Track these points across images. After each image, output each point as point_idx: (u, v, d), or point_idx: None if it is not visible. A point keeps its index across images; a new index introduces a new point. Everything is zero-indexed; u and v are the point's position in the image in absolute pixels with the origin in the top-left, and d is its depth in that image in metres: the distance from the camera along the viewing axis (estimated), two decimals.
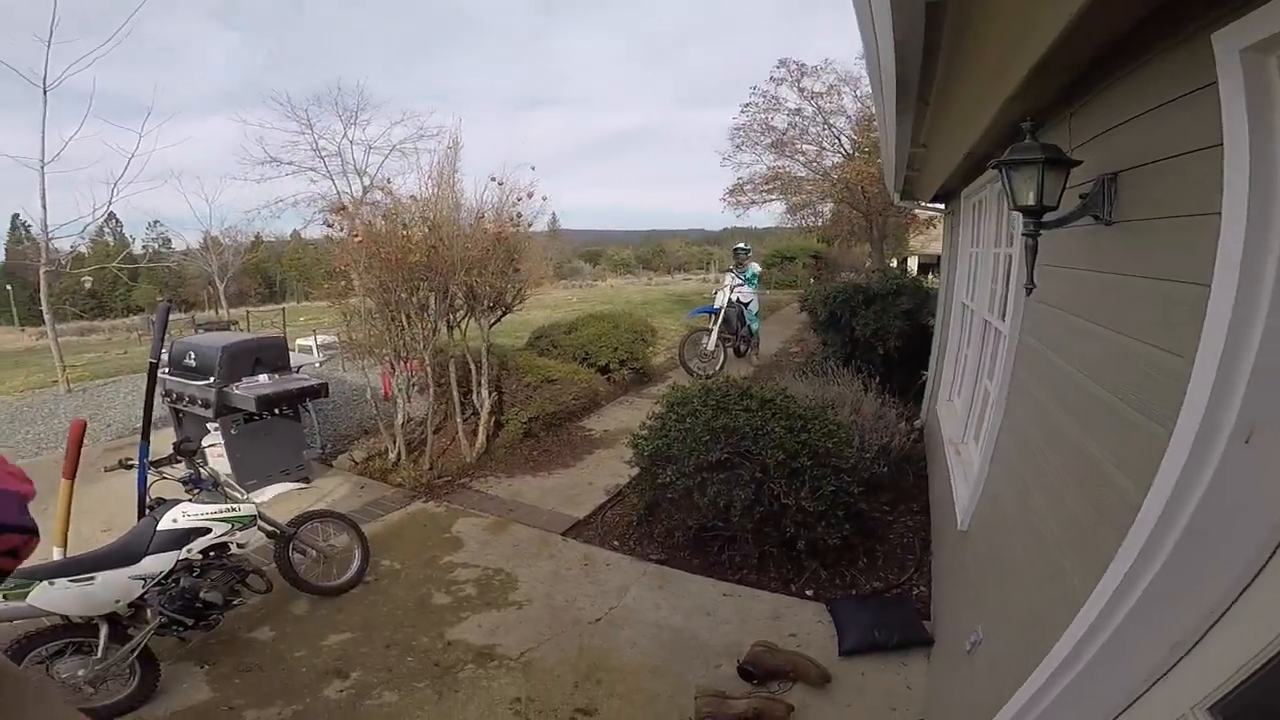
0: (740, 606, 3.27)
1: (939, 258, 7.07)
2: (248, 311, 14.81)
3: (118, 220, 37.03)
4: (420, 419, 5.34)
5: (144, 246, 39.90)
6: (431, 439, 5.11)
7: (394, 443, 5.16)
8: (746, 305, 8.23)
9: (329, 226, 5.37)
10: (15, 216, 42.43)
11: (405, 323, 4.92)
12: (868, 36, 2.03)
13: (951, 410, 4.45)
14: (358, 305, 5.08)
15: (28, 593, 2.53)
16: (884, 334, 6.00)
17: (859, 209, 16.65)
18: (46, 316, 10.00)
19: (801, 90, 16.06)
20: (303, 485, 4.20)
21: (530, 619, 3.25)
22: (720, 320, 7.93)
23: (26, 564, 2.36)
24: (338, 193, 13.81)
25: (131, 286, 37.13)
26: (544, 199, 5.19)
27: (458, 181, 5.00)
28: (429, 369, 5.06)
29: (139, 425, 3.25)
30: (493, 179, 5.00)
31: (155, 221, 43.74)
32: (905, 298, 6.17)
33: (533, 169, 5.09)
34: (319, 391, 4.69)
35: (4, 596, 2.50)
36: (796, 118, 16.51)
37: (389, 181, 5.14)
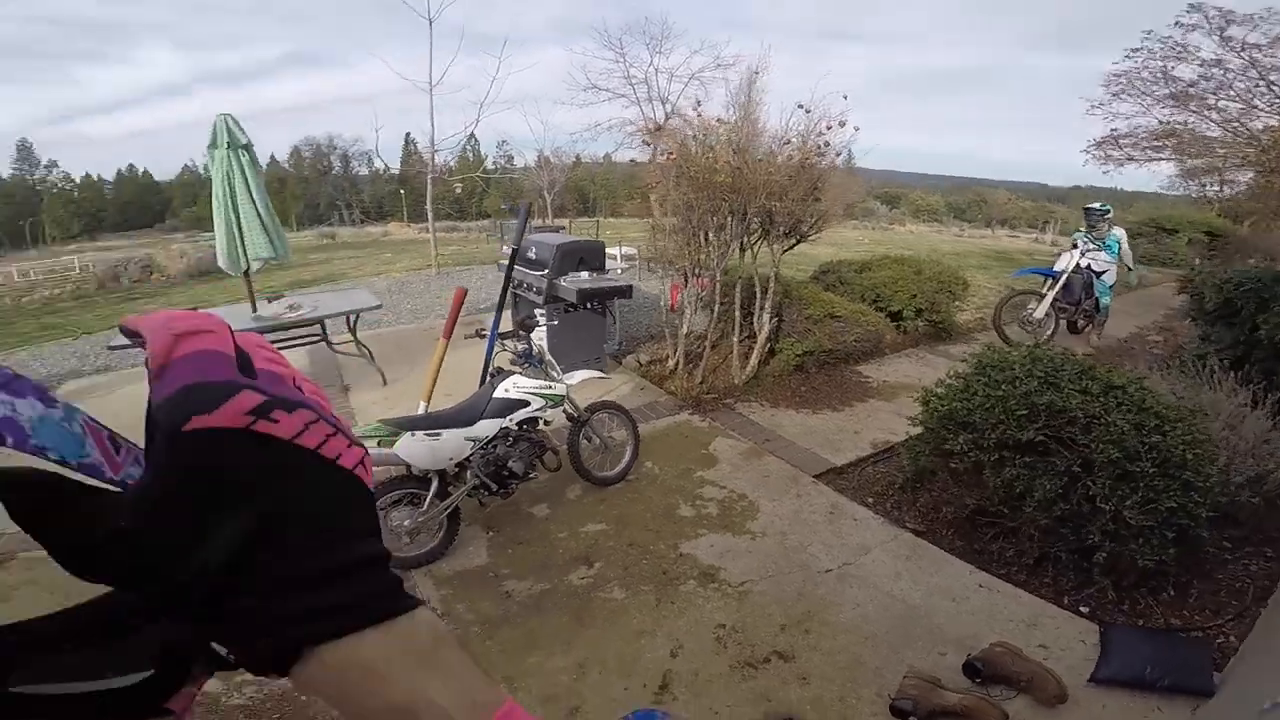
0: (993, 602, 2.90)
1: None
2: (569, 222, 17.08)
3: (476, 139, 45.76)
4: (699, 334, 5.63)
5: (493, 163, 48.73)
6: (708, 354, 5.36)
7: (674, 352, 5.55)
8: (1100, 275, 6.70)
9: (646, 144, 5.78)
10: (408, 134, 55.67)
11: (703, 240, 5.14)
12: None
13: None
14: (662, 221, 5.45)
15: (395, 442, 2.77)
16: None
17: None
18: (430, 214, 12.93)
19: (1225, 40, 12.38)
20: (601, 375, 4.48)
21: (760, 551, 3.26)
22: (1060, 286, 6.61)
23: (397, 414, 2.79)
24: (643, 118, 14.77)
25: (484, 195, 45.74)
26: (855, 129, 4.89)
27: (762, 107, 4.95)
28: (717, 286, 5.25)
29: (482, 306, 3.90)
30: (800, 106, 4.82)
31: (503, 141, 53.42)
32: None
33: (845, 98, 4.77)
34: (625, 292, 5.25)
35: (378, 443, 2.76)
36: (1215, 70, 12.81)
37: (700, 105, 5.31)
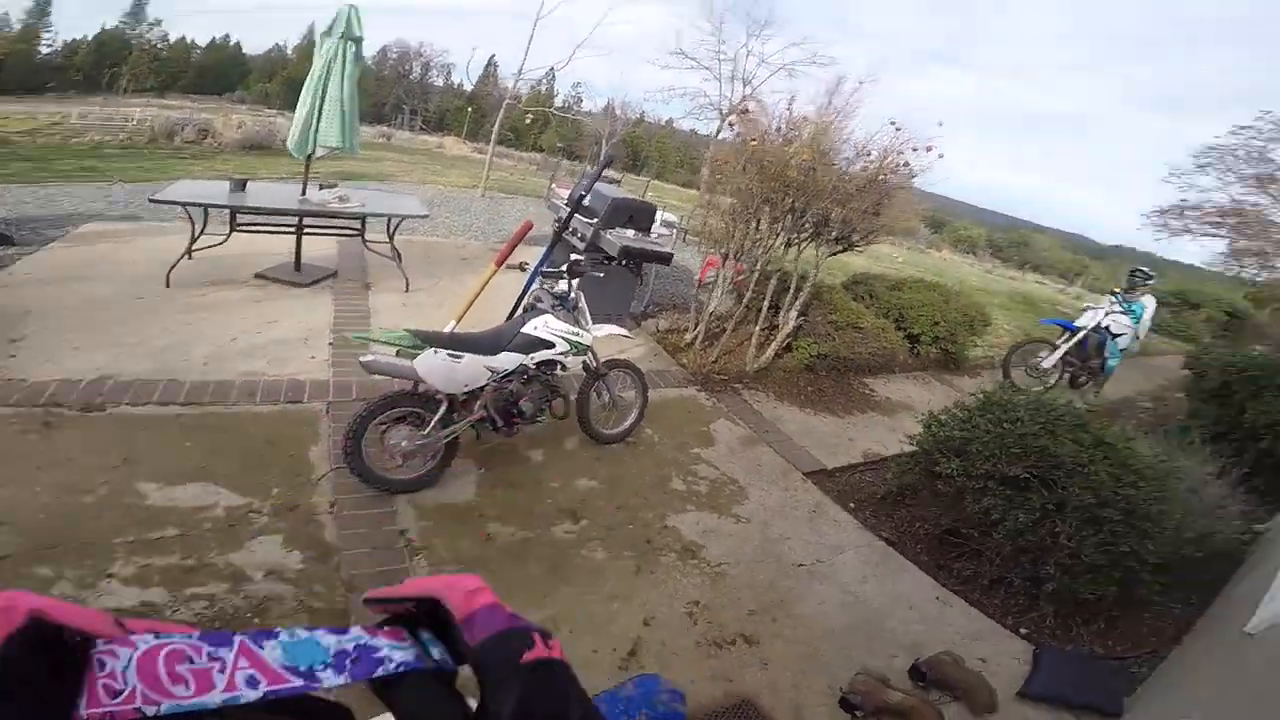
0: (946, 614, 3.15)
1: None
2: (622, 176, 17.07)
3: (554, 75, 45.03)
4: (722, 314, 5.80)
5: (563, 100, 48.40)
6: (728, 336, 5.53)
7: (694, 326, 5.71)
8: (1115, 337, 6.83)
9: (730, 125, 5.89)
10: (491, 56, 55.52)
11: (754, 228, 5.27)
12: None
13: None
14: (717, 200, 5.60)
15: (417, 355, 2.66)
16: None
17: None
18: (494, 137, 12.95)
19: None
20: (627, 335, 4.35)
21: (741, 536, 3.36)
22: (1074, 341, 6.77)
23: (427, 328, 2.86)
24: (720, 95, 14.75)
25: (542, 130, 45.18)
26: (941, 156, 4.95)
27: (853, 117, 5.13)
28: (755, 274, 5.40)
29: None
30: (891, 123, 4.93)
31: (578, 83, 53.47)
32: None
33: (940, 125, 4.94)
34: (666, 259, 5.40)
35: (398, 352, 2.69)
36: None
37: (793, 100, 5.41)
